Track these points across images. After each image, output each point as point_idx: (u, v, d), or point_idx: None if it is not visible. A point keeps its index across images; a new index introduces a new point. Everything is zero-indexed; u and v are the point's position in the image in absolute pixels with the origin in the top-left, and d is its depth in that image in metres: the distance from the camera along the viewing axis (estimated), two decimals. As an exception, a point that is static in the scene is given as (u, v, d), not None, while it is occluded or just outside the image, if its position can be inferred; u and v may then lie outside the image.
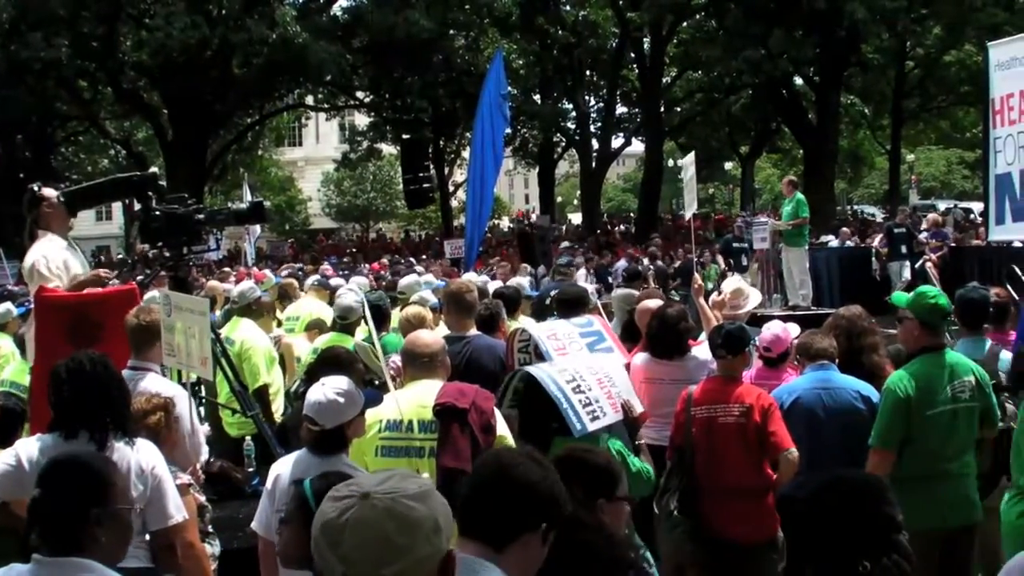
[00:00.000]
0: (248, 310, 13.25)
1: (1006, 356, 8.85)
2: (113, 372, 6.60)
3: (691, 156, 16.46)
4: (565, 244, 41.55)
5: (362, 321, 12.52)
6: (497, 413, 7.16)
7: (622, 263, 29.44)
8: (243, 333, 12.58)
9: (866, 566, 4.28)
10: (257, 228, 33.94)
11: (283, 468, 6.52)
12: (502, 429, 7.09)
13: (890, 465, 7.80)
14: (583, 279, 25.27)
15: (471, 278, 16.62)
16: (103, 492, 4.73)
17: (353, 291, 14.65)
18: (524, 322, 11.16)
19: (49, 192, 9.43)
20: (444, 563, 3.03)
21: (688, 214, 16.64)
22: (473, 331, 9.96)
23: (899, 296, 8.49)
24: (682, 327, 9.69)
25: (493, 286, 15.07)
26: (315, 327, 14.01)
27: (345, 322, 12.46)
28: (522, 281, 17.68)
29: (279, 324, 15.30)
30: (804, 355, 8.95)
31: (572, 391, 7.16)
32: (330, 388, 6.36)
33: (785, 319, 10.69)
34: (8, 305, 15.74)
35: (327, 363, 8.08)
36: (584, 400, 7.16)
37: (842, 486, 4.68)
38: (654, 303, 10.86)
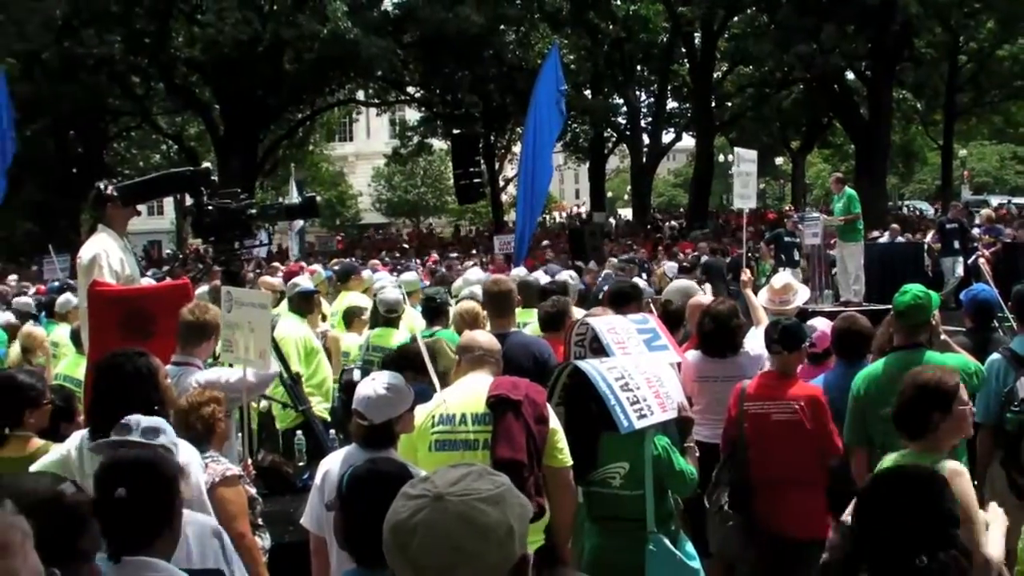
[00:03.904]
0: (294, 304, 13.24)
1: (1063, 353, 8.76)
2: (141, 370, 6.55)
3: (753, 153, 16.34)
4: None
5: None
6: (548, 407, 7.15)
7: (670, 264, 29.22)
8: (278, 326, 12.60)
9: (923, 560, 4.25)
10: (298, 222, 34.06)
11: (332, 463, 6.53)
12: (554, 423, 7.08)
13: (866, 462, 7.87)
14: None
15: (520, 274, 16.62)
16: (176, 490, 4.80)
17: (393, 284, 14.74)
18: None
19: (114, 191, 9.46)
20: (517, 568, 2.94)
21: (743, 207, 16.46)
22: (512, 328, 9.95)
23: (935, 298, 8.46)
24: (734, 324, 9.64)
25: (544, 280, 15.05)
26: (353, 315, 14.09)
27: (392, 315, 12.48)
28: (572, 275, 17.64)
29: (324, 319, 15.34)
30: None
31: (620, 388, 7.15)
32: (379, 383, 6.37)
33: (836, 315, 10.64)
34: (68, 296, 15.89)
35: (403, 362, 8.09)
36: (632, 398, 7.15)
37: (899, 480, 4.65)
38: (705, 299, 10.87)
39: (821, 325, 9.83)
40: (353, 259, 37.33)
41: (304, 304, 13.35)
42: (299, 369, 12.03)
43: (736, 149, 17.00)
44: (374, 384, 6.38)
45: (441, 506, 2.86)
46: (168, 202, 79.34)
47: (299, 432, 10.27)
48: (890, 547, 4.32)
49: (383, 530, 2.95)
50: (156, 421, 5.73)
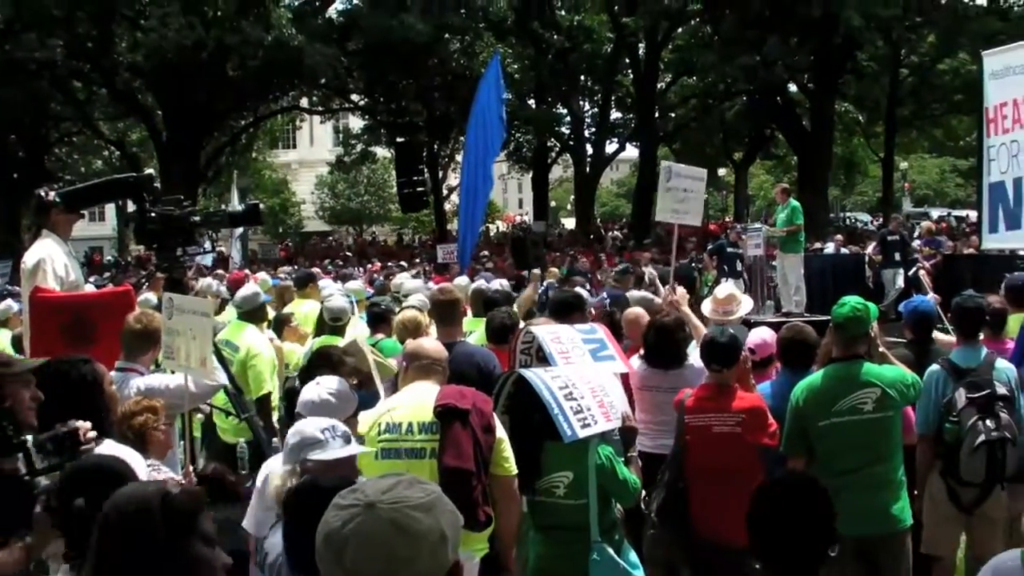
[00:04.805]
0: (252, 315, 13.16)
1: (1002, 364, 8.84)
2: (86, 377, 6.52)
3: (702, 171, 16.07)
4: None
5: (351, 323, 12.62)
6: (495, 416, 7.17)
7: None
8: (248, 340, 12.43)
9: (835, 549, 4.54)
10: (239, 229, 33.94)
11: (274, 466, 6.53)
12: (500, 432, 7.10)
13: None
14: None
15: (462, 282, 16.65)
16: None
17: (340, 292, 14.73)
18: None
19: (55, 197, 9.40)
20: (450, 575, 2.97)
21: (678, 222, 16.23)
22: (459, 338, 9.97)
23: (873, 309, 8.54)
24: (680, 337, 9.68)
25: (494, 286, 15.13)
26: (282, 323, 14.07)
27: (338, 323, 12.45)
28: (503, 283, 17.69)
29: (270, 325, 15.27)
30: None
31: (564, 397, 7.19)
32: (323, 388, 6.39)
33: (778, 325, 10.71)
34: (9, 302, 15.82)
35: (317, 362, 8.10)
36: (576, 407, 7.18)
37: (792, 486, 4.86)
38: (640, 311, 11.00)
39: (762, 334, 9.90)
40: (296, 266, 37.20)
41: (261, 313, 13.32)
42: (271, 388, 12.03)
43: (666, 164, 16.55)
44: (317, 389, 6.41)
45: (373, 514, 2.87)
46: (110, 208, 78.74)
47: (242, 441, 10.21)
48: (794, 543, 4.59)
49: (316, 540, 2.97)
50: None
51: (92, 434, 5.72)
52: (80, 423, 5.74)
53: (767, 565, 4.61)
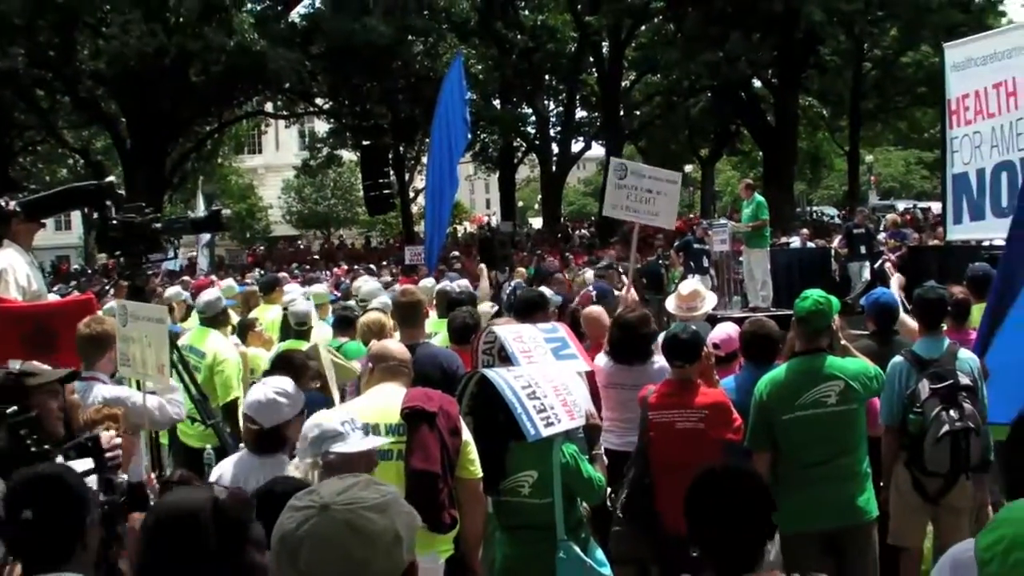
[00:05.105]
0: (215, 320, 13.13)
1: (964, 355, 8.86)
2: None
3: (677, 174, 15.90)
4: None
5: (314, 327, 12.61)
6: (460, 418, 7.16)
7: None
8: (214, 345, 12.39)
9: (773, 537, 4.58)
10: (205, 236, 33.77)
11: (225, 468, 6.58)
12: (466, 435, 7.09)
13: (765, 466, 7.96)
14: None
15: (428, 284, 16.66)
16: (87, 506, 4.69)
17: (304, 296, 14.73)
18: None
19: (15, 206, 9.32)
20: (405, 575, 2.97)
21: (622, 218, 16.04)
22: (422, 339, 9.95)
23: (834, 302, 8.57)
24: (644, 332, 9.66)
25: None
26: (246, 328, 14.03)
27: (303, 328, 12.44)
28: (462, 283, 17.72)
29: (234, 331, 15.23)
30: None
31: (527, 397, 7.18)
32: (270, 387, 6.40)
33: (743, 321, 10.71)
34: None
35: (280, 366, 8.08)
36: (539, 406, 7.17)
37: (723, 473, 4.87)
38: (603, 311, 11.01)
39: (727, 329, 9.90)
40: (261, 272, 37.14)
41: (223, 318, 13.31)
42: (238, 394, 11.99)
43: (618, 161, 16.34)
44: (264, 389, 6.41)
45: (328, 516, 2.88)
46: (76, 216, 78.52)
47: (209, 447, 10.17)
48: (729, 531, 4.52)
49: (271, 543, 2.96)
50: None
51: (117, 441, 5.72)
52: (103, 432, 5.72)
53: (704, 553, 4.61)
